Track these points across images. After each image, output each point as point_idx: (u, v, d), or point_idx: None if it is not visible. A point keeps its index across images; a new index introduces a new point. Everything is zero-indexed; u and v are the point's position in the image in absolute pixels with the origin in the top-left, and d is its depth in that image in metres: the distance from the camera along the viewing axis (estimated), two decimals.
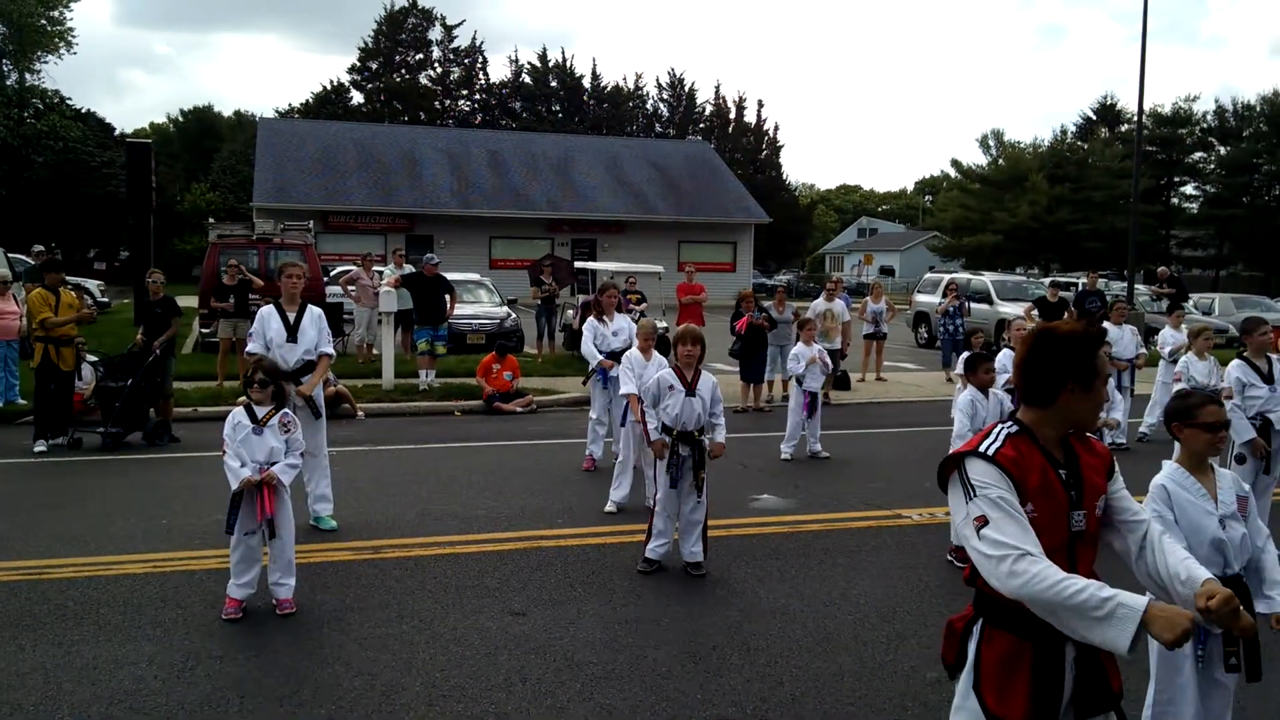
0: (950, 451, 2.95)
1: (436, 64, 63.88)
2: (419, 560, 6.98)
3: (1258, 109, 59.96)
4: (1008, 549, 2.60)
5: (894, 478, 9.95)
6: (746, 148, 62.97)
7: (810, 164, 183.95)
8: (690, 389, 6.88)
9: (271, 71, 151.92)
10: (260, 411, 6.00)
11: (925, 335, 24.82)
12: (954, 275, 26.28)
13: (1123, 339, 12.56)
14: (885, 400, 15.89)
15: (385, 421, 12.95)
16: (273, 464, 5.92)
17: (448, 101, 64.53)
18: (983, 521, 2.66)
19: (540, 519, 8.09)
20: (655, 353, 8.63)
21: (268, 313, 7.84)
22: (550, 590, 6.41)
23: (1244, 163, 58.93)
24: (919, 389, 16.92)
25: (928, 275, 30.43)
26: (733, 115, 64.49)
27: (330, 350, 7.97)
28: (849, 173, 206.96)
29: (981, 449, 2.77)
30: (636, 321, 10.53)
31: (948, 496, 2.87)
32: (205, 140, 67.31)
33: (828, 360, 11.65)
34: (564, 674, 5.15)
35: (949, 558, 7.13)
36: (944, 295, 19.77)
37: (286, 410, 6.15)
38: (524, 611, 6.02)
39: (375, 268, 18.01)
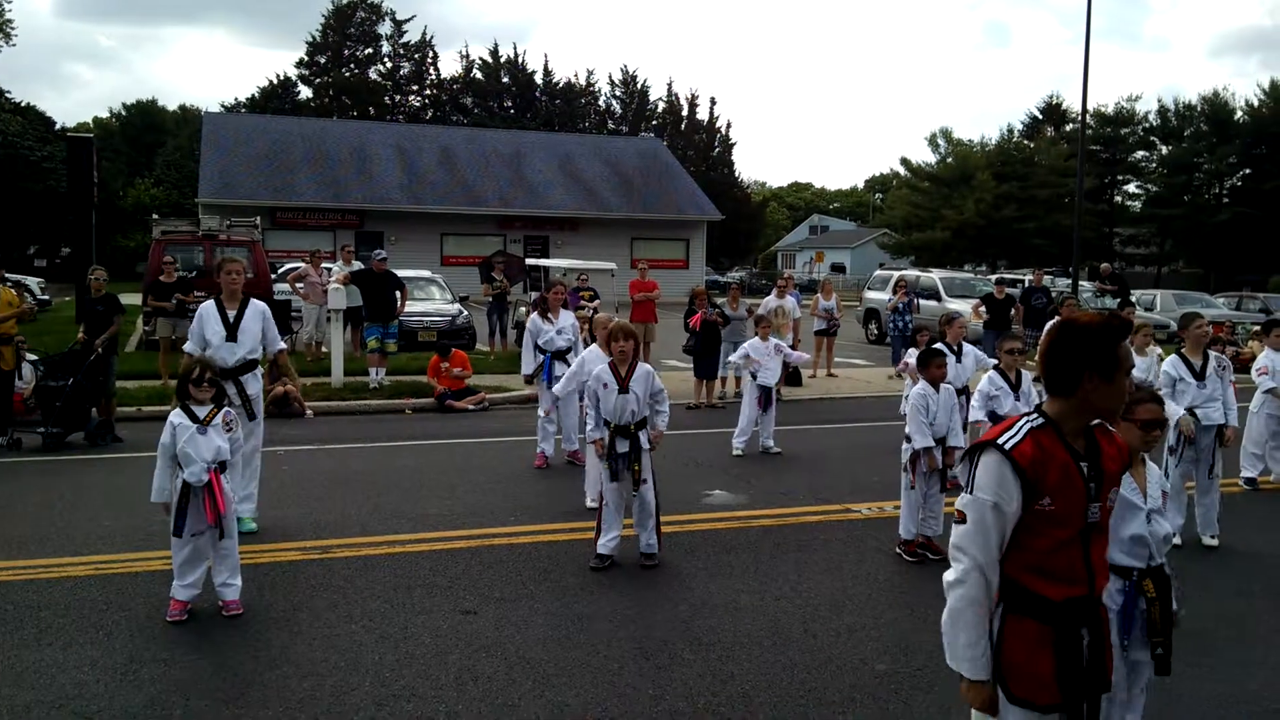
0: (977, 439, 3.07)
1: (386, 59, 63.33)
2: (369, 560, 6.91)
3: (1198, 109, 61.34)
4: (967, 560, 2.87)
5: (844, 472, 10.04)
6: (699, 145, 63.17)
7: (762, 161, 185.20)
8: (624, 386, 6.88)
9: (218, 65, 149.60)
10: (201, 411, 5.90)
11: (875, 331, 25.07)
12: (903, 272, 26.60)
13: None
14: (836, 396, 16.02)
15: (335, 420, 12.81)
16: (220, 463, 5.84)
17: (398, 97, 63.96)
18: (962, 518, 2.89)
19: (492, 517, 8.06)
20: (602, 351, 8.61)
21: (207, 311, 7.58)
22: (502, 588, 6.38)
23: (1185, 162, 60.25)
24: (869, 385, 17.09)
25: (878, 272, 30.75)
26: (685, 112, 64.66)
27: (283, 346, 7.85)
28: (800, 170, 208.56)
29: (1001, 441, 2.88)
30: (590, 319, 10.54)
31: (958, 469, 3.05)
32: (149, 135, 66.04)
33: (785, 348, 11.81)
34: (515, 672, 5.13)
35: (897, 550, 7.21)
36: (894, 292, 20.00)
37: (228, 409, 6.07)
38: (475, 609, 5.99)
39: (324, 265, 17.80)
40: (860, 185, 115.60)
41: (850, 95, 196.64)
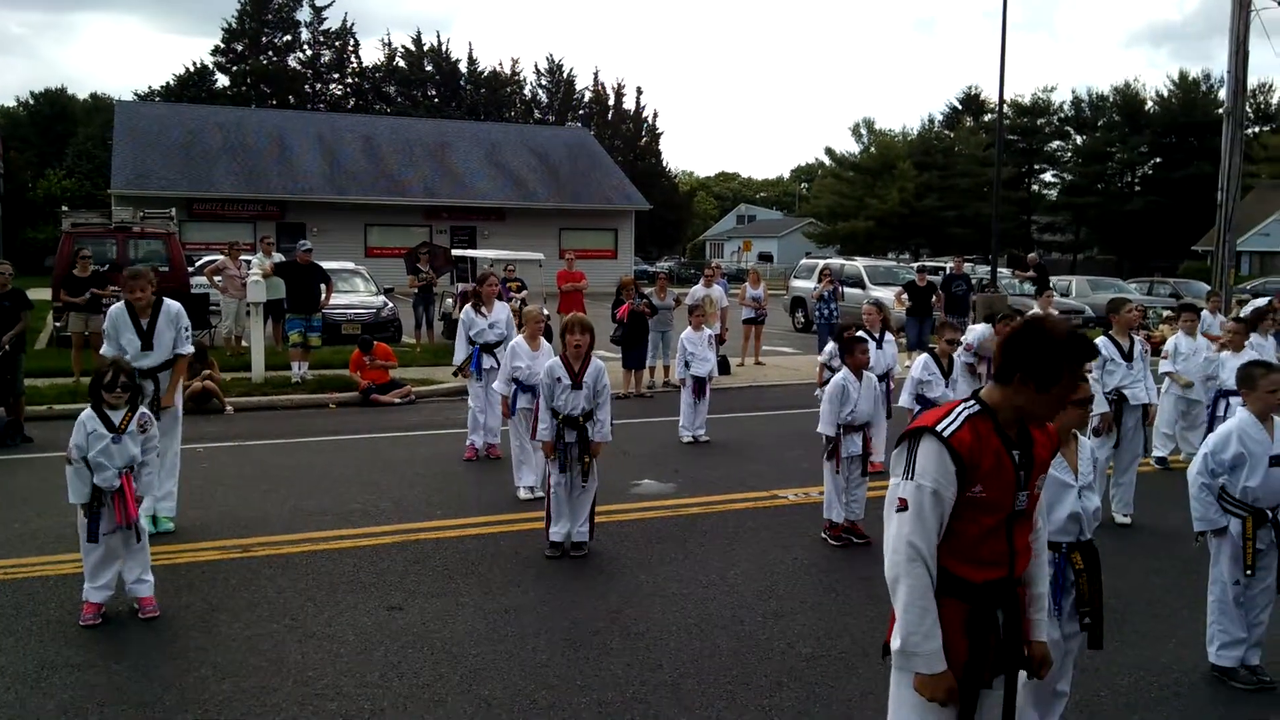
0: (909, 424, 3.05)
1: (306, 46, 61.95)
2: (290, 558, 6.78)
3: (1110, 100, 63.11)
4: (909, 547, 2.86)
5: (771, 459, 10.13)
6: (626, 135, 63.11)
7: (689, 151, 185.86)
8: (577, 382, 6.83)
9: (130, 53, 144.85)
10: (116, 417, 5.70)
11: (802, 320, 25.34)
12: (828, 261, 26.93)
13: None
14: (764, 384, 16.16)
15: (256, 416, 12.54)
16: (133, 468, 5.68)
17: (318, 85, 62.68)
18: (903, 505, 2.88)
19: (418, 511, 7.96)
20: (543, 341, 8.54)
21: (119, 315, 7.26)
22: (428, 583, 6.31)
23: (1098, 152, 61.96)
24: (796, 372, 17.25)
25: (804, 261, 31.08)
26: (612, 102, 64.53)
27: (187, 350, 7.54)
28: (727, 160, 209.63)
29: (939, 428, 2.90)
30: (519, 311, 10.45)
31: (893, 455, 3.02)
32: (59, 125, 63.70)
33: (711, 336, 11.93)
34: (442, 666, 5.08)
35: (823, 535, 7.30)
36: (819, 280, 20.20)
37: (143, 411, 5.89)
38: (401, 605, 5.92)
39: (243, 257, 17.39)
40: (786, 175, 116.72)
41: (775, 85, 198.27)
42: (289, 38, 61.58)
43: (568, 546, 6.88)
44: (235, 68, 60.21)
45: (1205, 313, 12.68)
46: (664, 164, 66.39)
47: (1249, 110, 57.60)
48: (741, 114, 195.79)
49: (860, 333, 9.54)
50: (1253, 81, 56.46)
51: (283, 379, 14.13)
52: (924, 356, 8.26)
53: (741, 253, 63.54)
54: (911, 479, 2.88)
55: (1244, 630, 4.98)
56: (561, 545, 6.87)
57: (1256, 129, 59.97)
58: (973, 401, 2.98)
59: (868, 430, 7.34)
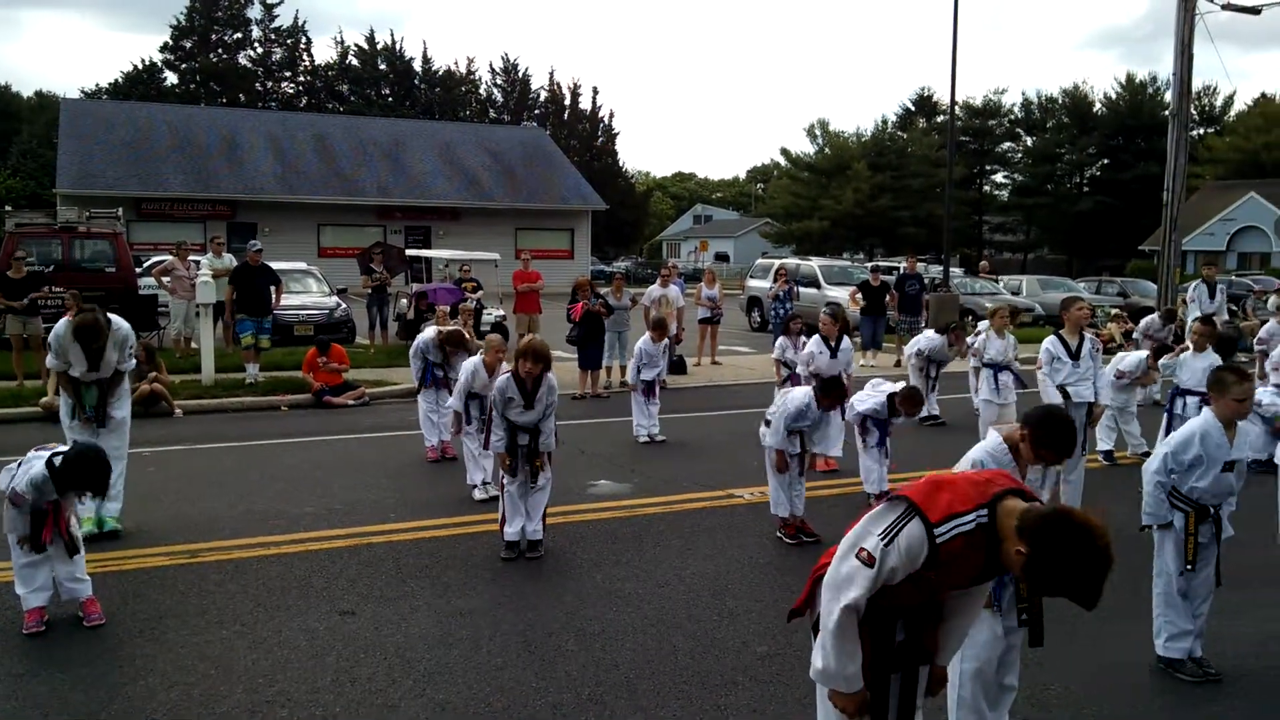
0: (915, 489, 2.98)
1: (256, 44, 61.17)
2: (240, 563, 6.68)
3: (1060, 102, 64.12)
4: (855, 599, 2.94)
5: (727, 459, 10.15)
6: (582, 134, 62.97)
7: (645, 151, 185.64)
8: (529, 401, 6.77)
9: (76, 50, 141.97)
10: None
11: (758, 319, 25.46)
12: (784, 261, 27.07)
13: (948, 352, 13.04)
14: (720, 383, 16.20)
15: (206, 419, 12.33)
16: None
17: (269, 83, 61.91)
18: (870, 562, 2.92)
19: (371, 514, 7.87)
20: (504, 367, 8.45)
21: (66, 335, 7.03)
22: (381, 587, 6.25)
23: (1048, 153, 62.94)
24: (752, 371, 17.32)
25: (759, 261, 31.22)
26: (568, 102, 64.35)
27: (128, 367, 7.40)
28: (683, 160, 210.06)
29: (937, 531, 2.85)
30: (471, 311, 10.37)
31: (888, 502, 3.03)
32: (3, 123, 62.31)
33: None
34: (395, 671, 5.03)
35: (778, 534, 7.33)
36: (774, 280, 20.32)
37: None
38: (353, 610, 5.85)
39: (191, 257, 17.11)
40: (742, 175, 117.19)
41: (731, 86, 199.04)
42: (239, 35, 60.78)
43: (523, 546, 6.85)
44: (184, 65, 59.32)
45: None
46: (620, 164, 66.36)
47: (1194, 112, 58.79)
48: (697, 114, 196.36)
49: (817, 340, 9.59)
50: (1197, 84, 57.74)
51: (233, 381, 13.92)
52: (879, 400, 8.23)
53: (698, 253, 63.82)
54: (885, 545, 2.91)
55: (1189, 622, 5.07)
56: (517, 545, 6.83)
57: (1201, 131, 61.27)
58: (985, 512, 2.86)
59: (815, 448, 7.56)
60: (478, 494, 8.25)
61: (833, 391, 7.23)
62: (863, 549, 2.95)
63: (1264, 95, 63.87)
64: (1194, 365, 8.73)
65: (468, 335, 10.38)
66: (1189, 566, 4.99)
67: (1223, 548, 5.09)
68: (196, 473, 9.33)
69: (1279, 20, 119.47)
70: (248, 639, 5.42)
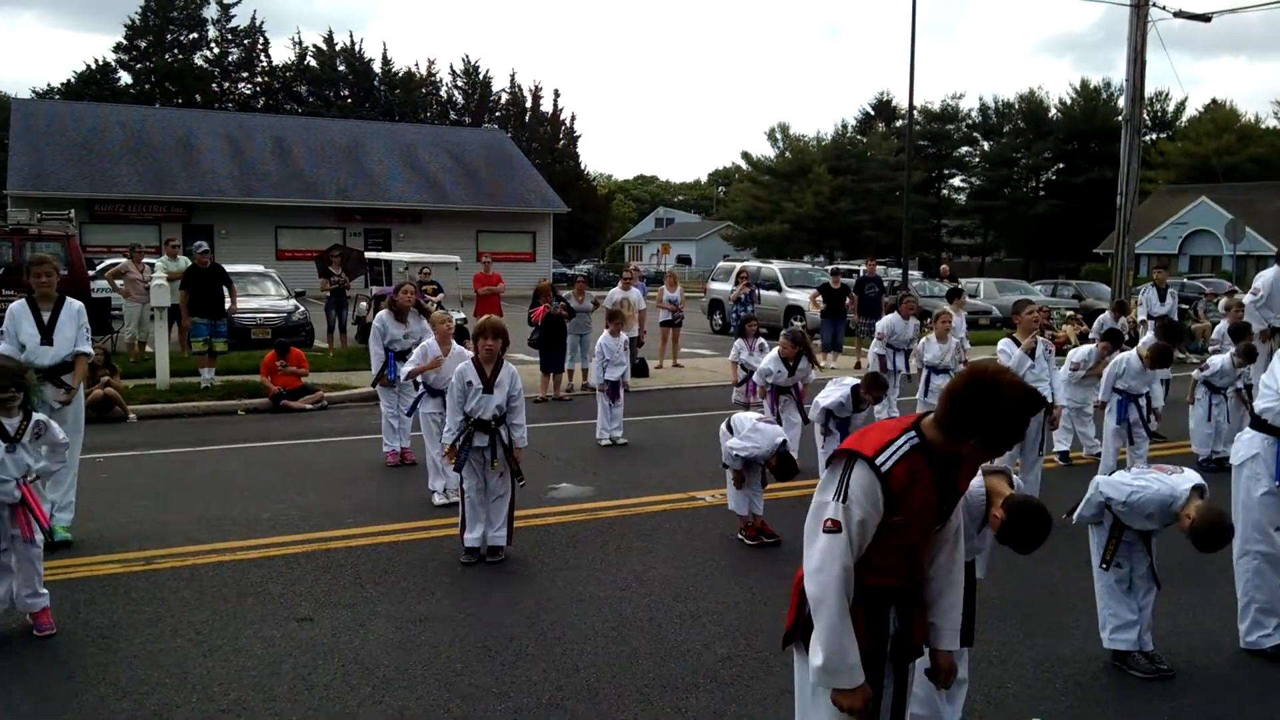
0: (842, 444, 3.09)
1: (213, 44, 60.33)
2: (196, 570, 6.58)
3: (1016, 107, 65.01)
4: (835, 566, 2.93)
5: (689, 461, 10.17)
6: (544, 137, 62.78)
7: (607, 154, 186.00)
8: (489, 385, 6.76)
9: (27, 49, 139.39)
10: (10, 426, 5.46)
11: (720, 322, 25.53)
12: (745, 264, 27.19)
13: (905, 330, 13.23)
14: (682, 386, 16.23)
15: (161, 424, 12.15)
16: (29, 479, 5.46)
17: (226, 84, 61.11)
18: (834, 527, 2.94)
19: (329, 519, 7.79)
20: (455, 344, 8.48)
21: (19, 310, 7.02)
22: (339, 593, 6.18)
23: (1005, 157, 63.80)
24: (714, 374, 17.35)
25: (721, 264, 31.32)
26: (529, 104, 64.13)
27: (88, 350, 7.28)
28: (645, 163, 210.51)
29: (877, 460, 2.94)
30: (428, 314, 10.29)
31: (825, 470, 3.08)
32: None
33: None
34: (353, 678, 4.97)
35: (739, 536, 7.35)
36: (736, 283, 20.38)
37: (38, 419, 5.64)
38: (311, 616, 5.78)
39: (146, 260, 16.86)
40: (704, 178, 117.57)
41: (693, 89, 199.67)
42: (195, 35, 59.94)
43: (484, 552, 6.82)
44: (139, 65, 58.41)
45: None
46: (582, 167, 66.20)
47: (1146, 118, 59.82)
48: (659, 118, 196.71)
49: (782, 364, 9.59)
50: (1150, 90, 58.76)
51: (189, 385, 13.73)
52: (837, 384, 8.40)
53: (660, 255, 63.84)
54: (843, 502, 2.94)
55: (1133, 613, 5.14)
56: (477, 551, 6.80)
57: (1154, 136, 62.39)
58: (913, 433, 3.00)
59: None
60: (437, 499, 8.20)
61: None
62: (825, 521, 2.97)
63: (1215, 101, 65.18)
64: (1138, 368, 8.90)
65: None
66: (1102, 566, 5.10)
67: (1156, 548, 5.15)
68: (151, 478, 9.19)
69: (1230, 27, 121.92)
70: (203, 647, 5.34)
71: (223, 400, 13.23)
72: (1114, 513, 5.04)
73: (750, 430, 7.02)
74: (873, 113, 69.44)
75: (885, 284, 21.69)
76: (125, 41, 58.59)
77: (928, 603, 3.26)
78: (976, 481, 4.00)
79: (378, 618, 5.79)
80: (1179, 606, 5.67)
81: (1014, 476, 4.06)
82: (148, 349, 15.69)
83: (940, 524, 3.12)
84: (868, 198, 59.03)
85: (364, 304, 19.84)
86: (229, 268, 15.71)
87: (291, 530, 7.48)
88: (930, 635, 3.29)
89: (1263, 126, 63.55)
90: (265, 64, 61.57)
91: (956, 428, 2.92)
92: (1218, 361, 10.06)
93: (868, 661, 3.02)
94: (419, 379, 8.55)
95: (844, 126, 71.12)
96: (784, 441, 7.02)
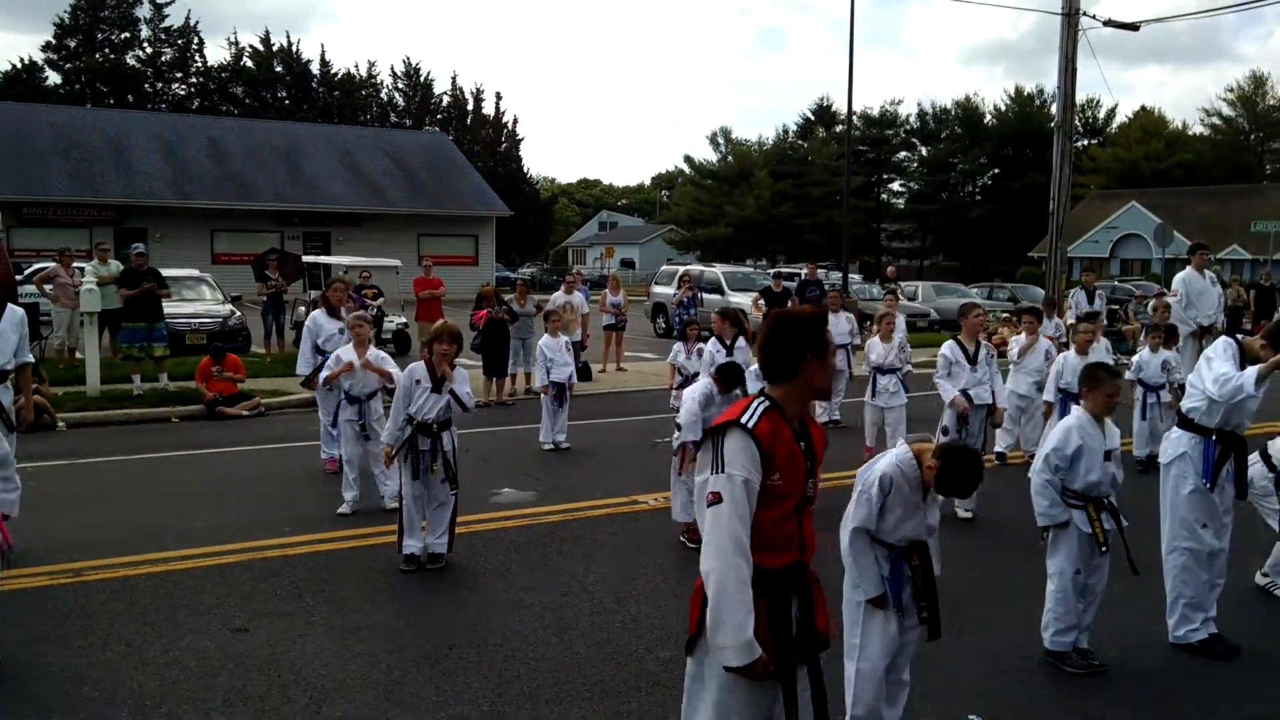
0: (714, 422, 3.16)
1: (146, 44, 59.07)
2: (127, 581, 6.42)
3: (953, 113, 66.14)
4: (731, 540, 2.97)
5: (632, 465, 10.17)
6: (486, 140, 62.41)
7: (550, 158, 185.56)
8: (438, 386, 6.72)
9: None
10: None
11: (663, 325, 25.58)
12: (688, 267, 27.30)
13: (838, 325, 13.47)
14: (625, 389, 16.23)
15: (91, 432, 11.84)
16: None
17: (159, 85, 59.89)
18: (716, 499, 3.00)
19: (266, 528, 7.65)
20: (371, 348, 8.36)
21: None
22: (276, 602, 6.07)
23: (942, 162, 64.87)
24: (658, 377, 17.35)
25: (664, 267, 31.41)
26: (471, 107, 63.74)
27: (28, 359, 7.10)
28: (589, 167, 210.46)
29: (742, 420, 3.06)
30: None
31: (698, 454, 3.15)
32: None
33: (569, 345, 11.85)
34: (290, 689, 4.89)
35: (681, 539, 7.36)
36: (678, 287, 20.45)
37: None
38: (246, 627, 5.67)
39: (76, 264, 16.43)
40: (647, 182, 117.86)
41: (635, 93, 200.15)
42: (127, 35, 58.64)
43: (424, 559, 6.74)
44: (69, 65, 57.02)
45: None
46: (525, 170, 65.91)
47: (1078, 124, 61.34)
48: (602, 121, 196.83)
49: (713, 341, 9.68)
50: (1081, 97, 60.03)
51: (120, 392, 13.40)
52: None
53: (604, 259, 63.83)
54: (722, 471, 3.01)
55: (1077, 617, 5.25)
56: (416, 559, 6.73)
57: (1086, 142, 63.88)
58: (763, 398, 3.15)
59: None
60: (387, 503, 8.06)
61: (729, 377, 7.17)
62: (707, 496, 3.04)
63: (1144, 108, 67.04)
64: (1074, 365, 9.07)
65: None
66: (1103, 549, 5.14)
67: (1125, 536, 5.26)
68: (80, 488, 8.96)
69: (1158, 36, 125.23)
70: (134, 660, 5.21)
71: (156, 407, 12.94)
72: (1074, 494, 5.14)
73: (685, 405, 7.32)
74: (813, 118, 70.19)
75: (826, 287, 21.91)
76: (54, 40, 57.18)
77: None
78: (902, 450, 4.14)
79: (315, 627, 5.70)
80: (1110, 602, 5.78)
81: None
82: (78, 355, 15.29)
83: (812, 485, 3.19)
84: (809, 202, 59.64)
85: (302, 308, 19.55)
86: (163, 272, 15.36)
87: (227, 539, 7.33)
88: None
89: (1190, 133, 65.47)
90: (200, 65, 60.44)
91: (781, 368, 3.14)
92: (1142, 357, 10.31)
93: (776, 656, 3.05)
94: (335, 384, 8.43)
95: (785, 131, 71.86)
96: (722, 364, 7.31)
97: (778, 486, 3.05)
